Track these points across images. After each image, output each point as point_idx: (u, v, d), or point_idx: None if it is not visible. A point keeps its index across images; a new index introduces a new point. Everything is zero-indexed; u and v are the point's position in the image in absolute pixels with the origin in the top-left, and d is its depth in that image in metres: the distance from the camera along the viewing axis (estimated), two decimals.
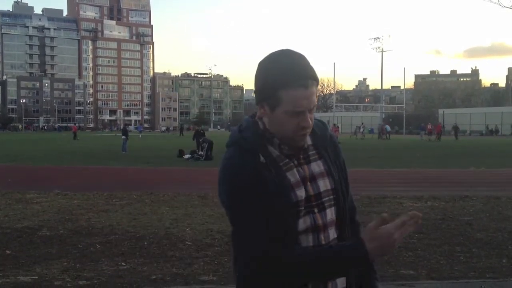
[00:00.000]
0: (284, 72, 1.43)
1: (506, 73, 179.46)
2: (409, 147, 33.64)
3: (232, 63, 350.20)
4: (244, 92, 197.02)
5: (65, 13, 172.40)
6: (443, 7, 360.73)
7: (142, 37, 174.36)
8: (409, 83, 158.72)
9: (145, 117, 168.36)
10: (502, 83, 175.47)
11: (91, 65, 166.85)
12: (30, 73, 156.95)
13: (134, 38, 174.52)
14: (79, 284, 4.72)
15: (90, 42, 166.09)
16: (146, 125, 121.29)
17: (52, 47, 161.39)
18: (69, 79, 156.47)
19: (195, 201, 9.69)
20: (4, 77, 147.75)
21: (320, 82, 1.54)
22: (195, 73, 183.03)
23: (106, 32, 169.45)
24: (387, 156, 24.47)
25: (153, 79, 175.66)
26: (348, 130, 71.23)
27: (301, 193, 1.49)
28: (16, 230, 7.10)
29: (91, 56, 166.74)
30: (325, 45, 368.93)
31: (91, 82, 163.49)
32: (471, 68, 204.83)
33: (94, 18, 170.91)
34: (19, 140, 47.86)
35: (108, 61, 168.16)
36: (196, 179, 14.65)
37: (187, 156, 22.34)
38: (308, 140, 1.57)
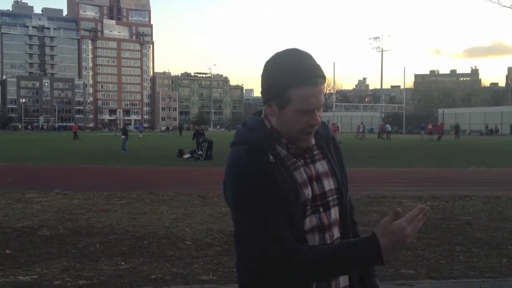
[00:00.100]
0: (293, 71, 1.44)
1: (506, 72, 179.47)
2: (410, 147, 33.63)
3: (232, 63, 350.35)
4: (244, 92, 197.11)
5: (65, 13, 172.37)
6: (443, 6, 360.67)
7: (142, 37, 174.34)
8: (409, 82, 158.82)
9: (145, 116, 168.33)
10: (502, 83, 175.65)
11: (91, 64, 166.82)
12: (30, 73, 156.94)
13: (134, 37, 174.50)
14: (79, 284, 4.72)
15: (90, 41, 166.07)
16: (145, 125, 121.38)
17: (52, 47, 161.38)
18: (69, 78, 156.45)
19: (195, 201, 9.69)
20: (4, 77, 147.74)
21: None
22: (195, 73, 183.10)
23: (106, 31, 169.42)
24: (387, 156, 24.47)
25: (153, 79, 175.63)
26: (347, 129, 71.26)
27: (308, 192, 1.50)
28: (16, 229, 7.10)
29: (91, 55, 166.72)
30: (325, 45, 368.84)
31: (91, 81, 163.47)
32: (471, 67, 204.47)
33: (94, 17, 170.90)
34: (19, 140, 47.85)
35: (108, 60, 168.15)
36: (196, 179, 14.64)
37: (187, 155, 22.34)
38: (312, 140, 1.58)
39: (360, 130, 56.79)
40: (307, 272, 1.42)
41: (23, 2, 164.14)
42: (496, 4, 25.39)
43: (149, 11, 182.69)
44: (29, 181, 13.94)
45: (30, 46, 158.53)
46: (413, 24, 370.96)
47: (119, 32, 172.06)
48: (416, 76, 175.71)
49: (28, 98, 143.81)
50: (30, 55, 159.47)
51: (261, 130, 1.53)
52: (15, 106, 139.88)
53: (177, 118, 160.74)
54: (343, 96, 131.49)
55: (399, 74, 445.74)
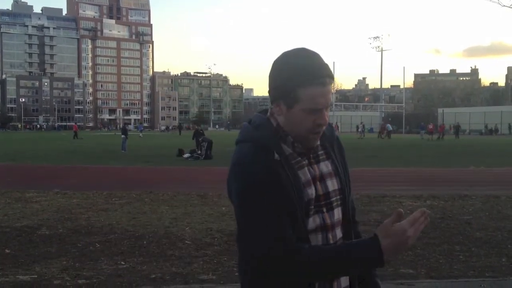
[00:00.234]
0: (302, 71, 1.44)
1: (505, 72, 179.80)
2: (410, 146, 33.63)
3: (231, 62, 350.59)
4: (243, 91, 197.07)
5: (64, 12, 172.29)
6: (443, 6, 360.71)
7: (142, 36, 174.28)
8: (409, 82, 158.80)
9: (145, 116, 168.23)
10: (502, 82, 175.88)
11: (90, 64, 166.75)
12: (30, 72, 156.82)
13: (133, 37, 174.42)
14: (79, 283, 4.72)
15: (89, 41, 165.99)
16: (145, 124, 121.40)
17: (51, 46, 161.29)
18: (69, 78, 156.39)
19: (195, 200, 9.69)
20: (4, 76, 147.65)
21: None
22: (194, 72, 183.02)
23: (105, 31, 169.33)
24: (387, 155, 24.47)
25: (153, 78, 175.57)
26: (347, 129, 71.26)
27: (311, 192, 1.50)
28: (15, 229, 7.10)
29: (90, 55, 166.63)
30: (324, 44, 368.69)
31: (90, 81, 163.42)
32: (471, 67, 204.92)
33: (94, 17, 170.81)
34: (18, 140, 47.84)
35: (108, 60, 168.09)
36: (196, 178, 14.64)
37: (186, 155, 22.34)
38: (318, 140, 1.58)
39: (360, 130, 56.72)
40: (309, 272, 1.42)
41: (23, 2, 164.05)
42: (496, 3, 25.39)
43: (149, 10, 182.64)
44: (28, 180, 13.94)
45: (30, 45, 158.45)
46: (413, 23, 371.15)
47: (118, 32, 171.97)
48: (415, 75, 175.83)
49: (27, 97, 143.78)
50: (30, 55, 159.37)
51: (267, 128, 1.52)
52: (15, 106, 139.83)
53: (177, 117, 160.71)
54: (343, 95, 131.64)
55: (398, 74, 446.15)
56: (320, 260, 1.41)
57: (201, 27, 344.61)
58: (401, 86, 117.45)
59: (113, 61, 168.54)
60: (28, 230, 6.98)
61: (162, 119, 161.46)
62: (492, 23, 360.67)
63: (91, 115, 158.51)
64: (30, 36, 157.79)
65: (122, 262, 5.40)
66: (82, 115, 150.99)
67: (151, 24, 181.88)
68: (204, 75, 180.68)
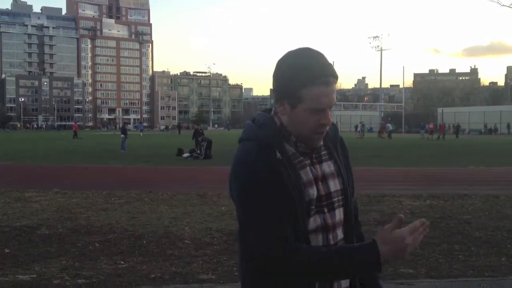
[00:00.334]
0: (305, 70, 1.44)
1: (505, 71, 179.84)
2: (410, 146, 33.62)
3: (231, 62, 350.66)
4: (243, 91, 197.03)
5: (64, 12, 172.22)
6: (442, 6, 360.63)
7: (141, 36, 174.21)
8: (408, 81, 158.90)
9: (144, 115, 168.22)
10: (501, 82, 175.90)
11: (90, 63, 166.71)
12: (29, 72, 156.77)
13: (133, 36, 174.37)
14: (78, 283, 4.71)
15: (89, 40, 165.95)
16: (145, 124, 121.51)
17: (51, 46, 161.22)
18: (68, 77, 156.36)
19: (194, 200, 9.68)
20: (3, 76, 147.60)
21: None
22: (194, 72, 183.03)
23: (105, 30, 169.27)
24: (387, 155, 24.46)
25: (152, 78, 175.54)
26: (347, 129, 71.22)
27: (313, 192, 1.50)
28: (15, 228, 7.09)
29: (90, 54, 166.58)
30: (324, 44, 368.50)
31: (90, 80, 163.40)
32: (470, 67, 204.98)
33: (93, 16, 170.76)
34: (18, 139, 47.81)
35: (107, 59, 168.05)
36: (195, 178, 14.63)
37: (186, 155, 22.33)
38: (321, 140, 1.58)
39: (359, 129, 56.57)
40: (308, 272, 1.42)
41: (22, 1, 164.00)
42: (495, 3, 25.37)
43: (148, 10, 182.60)
44: (28, 180, 13.93)
45: (29, 45, 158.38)
46: (413, 23, 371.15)
47: (118, 31, 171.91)
48: (415, 75, 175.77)
49: (27, 97, 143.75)
50: (29, 54, 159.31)
51: (270, 127, 1.52)
52: (14, 105, 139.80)
53: (176, 117, 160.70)
54: (342, 95, 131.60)
55: (398, 73, 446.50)
56: (319, 261, 1.41)
57: (201, 27, 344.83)
58: (401, 86, 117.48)
59: (112, 60, 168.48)
60: (27, 230, 6.98)
61: (161, 119, 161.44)
62: (492, 23, 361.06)
63: (90, 115, 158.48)
64: (29, 35, 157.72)
65: (122, 262, 5.40)
66: (81, 115, 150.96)
67: (151, 24, 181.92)
68: (203, 74, 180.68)
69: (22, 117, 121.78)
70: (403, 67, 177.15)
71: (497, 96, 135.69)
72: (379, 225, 1.53)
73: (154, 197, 10.06)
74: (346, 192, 1.60)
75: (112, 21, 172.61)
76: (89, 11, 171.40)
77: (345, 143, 1.69)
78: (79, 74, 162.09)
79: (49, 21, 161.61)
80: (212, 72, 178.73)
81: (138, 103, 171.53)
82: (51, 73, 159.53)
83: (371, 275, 1.69)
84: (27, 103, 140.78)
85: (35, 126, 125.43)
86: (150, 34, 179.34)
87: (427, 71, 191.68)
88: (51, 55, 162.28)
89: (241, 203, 1.47)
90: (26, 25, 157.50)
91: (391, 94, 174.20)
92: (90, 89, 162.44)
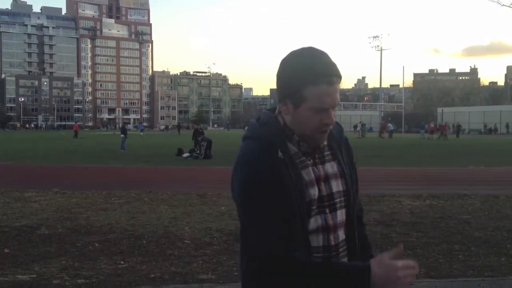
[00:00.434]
0: (308, 70, 1.44)
1: (504, 71, 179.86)
2: (410, 146, 33.63)
3: (231, 62, 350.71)
4: (243, 91, 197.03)
5: (63, 12, 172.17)
6: (442, 5, 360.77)
7: (141, 36, 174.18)
8: (408, 81, 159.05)
9: (144, 115, 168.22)
10: (501, 82, 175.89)
11: (89, 63, 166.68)
12: (29, 72, 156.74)
13: (133, 36, 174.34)
14: (78, 283, 4.71)
15: (89, 40, 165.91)
16: (145, 124, 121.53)
17: (51, 46, 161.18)
18: (68, 77, 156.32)
19: (194, 200, 9.68)
20: (3, 76, 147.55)
21: None
22: (194, 72, 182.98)
23: (104, 30, 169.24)
24: (387, 155, 24.46)
25: (152, 78, 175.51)
26: (347, 128, 71.00)
27: (314, 192, 1.50)
28: (14, 228, 7.09)
29: (89, 54, 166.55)
30: (324, 44, 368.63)
31: (89, 80, 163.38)
32: (470, 66, 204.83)
33: (93, 16, 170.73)
34: (18, 139, 47.79)
35: (107, 59, 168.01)
36: (195, 178, 14.63)
37: (186, 154, 22.32)
38: (325, 141, 1.58)
39: (358, 129, 56.45)
40: (307, 273, 1.42)
41: (22, 1, 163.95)
42: (495, 3, 25.37)
43: (148, 10, 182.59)
44: (28, 180, 13.92)
45: (29, 45, 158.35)
46: (412, 23, 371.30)
47: (118, 31, 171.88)
48: (415, 75, 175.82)
49: (27, 97, 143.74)
50: (29, 54, 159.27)
51: (274, 126, 1.53)
52: (14, 105, 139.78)
53: (176, 117, 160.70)
54: (342, 95, 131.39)
55: (398, 73, 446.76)
56: (316, 265, 1.43)
57: (201, 27, 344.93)
58: (401, 86, 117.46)
59: (112, 60, 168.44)
60: (27, 230, 6.98)
61: (161, 119, 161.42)
62: (492, 23, 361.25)
63: (90, 115, 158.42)
64: (29, 35, 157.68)
65: (122, 262, 5.40)
66: (81, 115, 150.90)
67: (151, 24, 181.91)
68: (203, 74, 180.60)
69: (22, 117, 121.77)
70: (403, 67, 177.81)
71: (497, 96, 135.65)
72: (400, 243, 1.55)
73: (154, 197, 10.06)
74: (349, 193, 1.59)
75: (112, 21, 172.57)
76: (89, 11, 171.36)
77: (350, 144, 1.69)
78: (79, 74, 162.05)
79: (49, 21, 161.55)
80: (212, 72, 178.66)
81: (138, 103, 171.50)
82: (51, 73, 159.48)
83: None
84: (27, 103, 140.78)
85: (33, 126, 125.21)
86: (150, 34, 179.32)
87: (427, 71, 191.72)
88: (51, 55, 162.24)
89: (242, 202, 1.48)
90: (26, 25, 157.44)
91: (391, 94, 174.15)
92: (90, 89, 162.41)
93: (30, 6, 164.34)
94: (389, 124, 57.22)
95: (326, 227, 1.52)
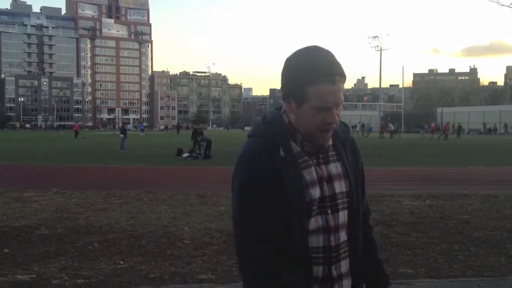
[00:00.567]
0: (312, 68, 1.44)
1: (504, 71, 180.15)
2: (410, 146, 33.64)
3: (230, 62, 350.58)
4: (242, 91, 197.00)
5: (63, 12, 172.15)
6: (442, 5, 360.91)
7: (141, 36, 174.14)
8: (408, 81, 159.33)
9: (144, 115, 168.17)
10: (501, 82, 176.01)
11: (89, 63, 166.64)
12: (29, 72, 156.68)
13: (132, 36, 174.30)
14: (77, 283, 4.71)
15: (88, 40, 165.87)
16: (144, 124, 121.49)
17: (50, 46, 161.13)
18: (68, 77, 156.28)
19: (194, 200, 9.68)
20: (3, 76, 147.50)
21: None
22: (193, 72, 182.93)
23: (104, 30, 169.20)
24: (387, 155, 24.46)
25: (152, 78, 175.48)
26: None
27: (315, 192, 1.49)
28: (14, 228, 7.08)
29: (89, 54, 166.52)
30: (324, 44, 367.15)
31: (89, 80, 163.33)
32: (470, 66, 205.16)
33: (93, 16, 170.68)
34: (18, 139, 47.77)
35: (107, 59, 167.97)
36: (195, 178, 14.62)
37: (185, 155, 22.32)
38: (329, 141, 1.57)
39: (357, 129, 56.39)
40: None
41: (22, 1, 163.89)
42: (495, 3, 25.37)
43: (148, 10, 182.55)
44: (28, 180, 13.91)
45: (29, 45, 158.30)
46: (412, 23, 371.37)
47: (117, 31, 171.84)
48: (414, 75, 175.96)
49: (26, 97, 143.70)
50: (29, 54, 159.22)
51: (278, 125, 1.53)
52: (14, 105, 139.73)
53: (176, 117, 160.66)
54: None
55: (398, 73, 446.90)
56: None
57: (200, 27, 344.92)
58: (400, 86, 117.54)
59: (112, 60, 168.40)
60: (27, 230, 6.97)
61: (161, 119, 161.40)
62: (491, 23, 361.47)
63: (90, 115, 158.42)
64: (29, 35, 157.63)
65: (121, 262, 5.40)
66: (81, 115, 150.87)
67: (150, 24, 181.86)
68: (203, 74, 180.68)
69: (21, 117, 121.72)
70: (403, 67, 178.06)
71: (496, 96, 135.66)
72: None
73: (153, 197, 10.06)
74: (352, 194, 1.58)
75: (112, 21, 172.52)
76: (88, 11, 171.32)
77: (357, 145, 1.67)
78: (78, 74, 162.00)
79: (49, 21, 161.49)
80: (211, 72, 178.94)
81: (137, 103, 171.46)
82: (51, 73, 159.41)
83: (380, 280, 1.68)
84: (27, 103, 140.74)
85: (39, 126, 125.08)
86: (150, 34, 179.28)
87: (427, 71, 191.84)
88: (50, 55, 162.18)
89: (241, 201, 1.48)
90: (26, 25, 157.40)
91: (391, 94, 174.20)
92: (89, 89, 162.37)
93: (30, 6, 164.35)
94: (390, 124, 57.15)
95: (326, 227, 1.52)
